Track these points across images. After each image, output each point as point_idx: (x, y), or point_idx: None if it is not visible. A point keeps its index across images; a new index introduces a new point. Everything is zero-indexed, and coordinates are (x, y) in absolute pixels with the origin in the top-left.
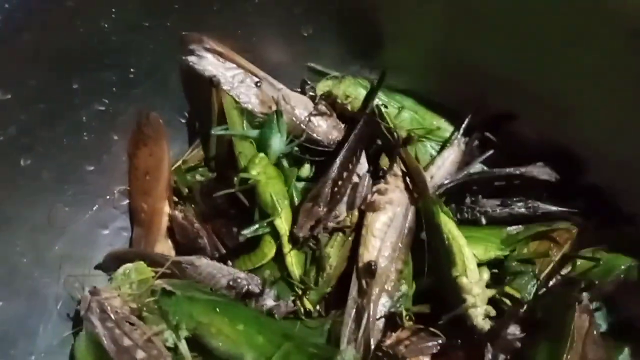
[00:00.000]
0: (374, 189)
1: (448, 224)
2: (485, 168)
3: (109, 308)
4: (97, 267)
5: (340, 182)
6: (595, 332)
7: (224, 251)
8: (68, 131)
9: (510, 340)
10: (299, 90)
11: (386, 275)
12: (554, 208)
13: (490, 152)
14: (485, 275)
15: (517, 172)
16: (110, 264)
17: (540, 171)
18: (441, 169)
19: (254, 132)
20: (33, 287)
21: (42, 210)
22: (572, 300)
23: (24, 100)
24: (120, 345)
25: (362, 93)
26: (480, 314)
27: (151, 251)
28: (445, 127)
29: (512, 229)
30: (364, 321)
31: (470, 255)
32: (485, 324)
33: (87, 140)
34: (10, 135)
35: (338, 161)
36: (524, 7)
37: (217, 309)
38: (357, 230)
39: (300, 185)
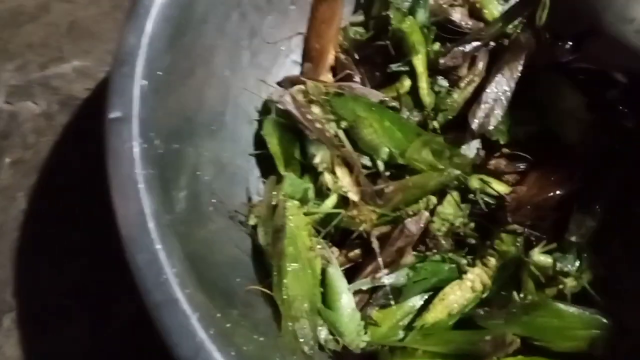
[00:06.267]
0: None
1: None
2: None
3: (297, 97)
4: (277, 84)
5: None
6: None
7: (369, 86)
8: None
9: None
10: None
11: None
12: None
13: None
14: None
15: None
16: (287, 85)
17: None
18: None
19: (407, 5)
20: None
21: (248, 25)
22: None
23: None
24: (302, 118)
25: None
26: None
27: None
28: None
29: None
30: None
31: None
32: None
33: None
34: None
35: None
36: None
37: (373, 108)
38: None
39: None
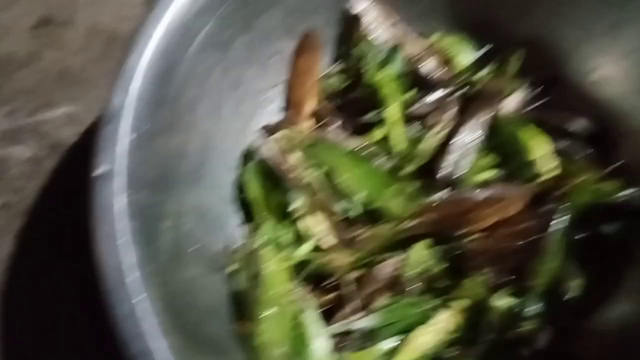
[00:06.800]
0: None
1: None
2: None
3: (276, 144)
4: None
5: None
6: None
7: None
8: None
9: None
10: None
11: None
12: None
13: None
14: None
15: None
16: (268, 132)
17: None
18: None
19: (380, 57)
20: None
21: (230, 77)
22: None
23: None
24: (281, 165)
25: (458, 49)
26: None
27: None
28: None
29: None
30: None
31: None
32: None
33: (276, 36)
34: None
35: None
36: None
37: (349, 156)
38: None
39: None
